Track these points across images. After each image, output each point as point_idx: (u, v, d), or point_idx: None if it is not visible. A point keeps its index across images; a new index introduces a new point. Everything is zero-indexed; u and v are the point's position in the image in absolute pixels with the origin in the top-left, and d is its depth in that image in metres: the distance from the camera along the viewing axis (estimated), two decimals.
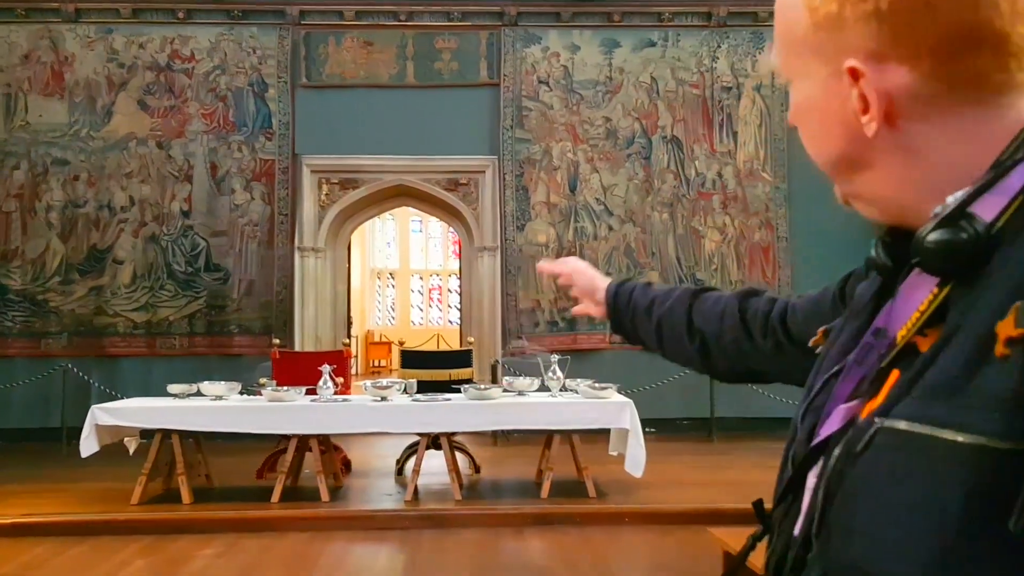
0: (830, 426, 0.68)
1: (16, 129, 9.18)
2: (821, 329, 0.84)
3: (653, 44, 9.57)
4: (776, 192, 9.50)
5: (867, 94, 0.66)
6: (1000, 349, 0.54)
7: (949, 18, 0.63)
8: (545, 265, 1.48)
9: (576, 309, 1.47)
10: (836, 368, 0.72)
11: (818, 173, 0.77)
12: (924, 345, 0.62)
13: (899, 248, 0.70)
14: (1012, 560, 0.51)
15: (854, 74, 0.66)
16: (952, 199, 0.62)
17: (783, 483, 0.74)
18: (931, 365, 0.59)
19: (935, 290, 0.63)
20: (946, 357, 0.58)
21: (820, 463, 0.68)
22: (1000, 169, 0.62)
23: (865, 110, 0.66)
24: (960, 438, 0.54)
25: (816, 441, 0.69)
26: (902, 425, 0.58)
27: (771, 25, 0.76)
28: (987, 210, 0.61)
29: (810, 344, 0.85)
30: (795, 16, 0.70)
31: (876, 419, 0.60)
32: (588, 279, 1.42)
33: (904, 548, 0.55)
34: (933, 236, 0.61)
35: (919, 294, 0.65)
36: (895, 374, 0.63)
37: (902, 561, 0.55)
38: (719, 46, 9.54)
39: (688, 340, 1.24)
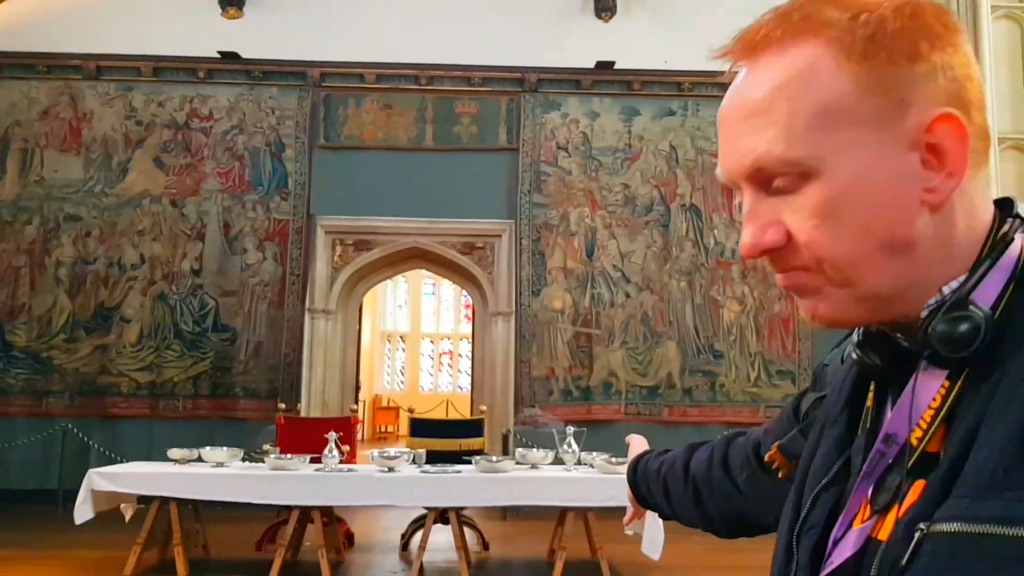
0: (843, 551, 0.62)
1: (30, 184, 9.14)
2: (775, 444, 0.82)
3: (673, 113, 9.53)
4: None
5: (949, 149, 0.60)
6: None
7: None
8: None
9: (626, 518, 1.49)
10: (824, 482, 0.68)
11: None
12: (935, 446, 0.59)
13: (876, 347, 0.66)
14: None
15: (935, 128, 0.61)
16: (948, 288, 0.61)
17: None
18: (963, 461, 0.54)
19: (945, 384, 0.59)
20: (984, 449, 0.53)
21: None
22: (995, 250, 0.61)
23: (941, 168, 0.61)
24: None
25: (831, 568, 0.63)
26: (953, 527, 0.52)
27: None
28: (987, 294, 0.59)
29: (766, 459, 0.82)
30: (827, 88, 0.62)
31: (921, 525, 0.54)
32: (638, 444, 1.43)
33: None
34: (942, 327, 0.59)
35: (926, 392, 0.61)
36: (920, 483, 0.59)
37: None
38: None
39: (684, 488, 1.21)
